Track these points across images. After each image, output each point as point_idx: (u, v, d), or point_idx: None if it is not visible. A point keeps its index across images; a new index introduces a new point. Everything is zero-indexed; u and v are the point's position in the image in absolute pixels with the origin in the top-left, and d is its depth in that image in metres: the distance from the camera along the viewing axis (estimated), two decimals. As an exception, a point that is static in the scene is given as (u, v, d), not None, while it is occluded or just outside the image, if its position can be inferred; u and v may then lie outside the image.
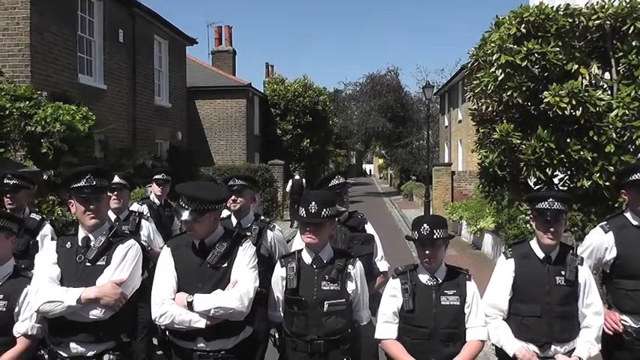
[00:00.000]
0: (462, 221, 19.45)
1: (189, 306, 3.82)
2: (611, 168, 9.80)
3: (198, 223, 3.91)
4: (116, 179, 6.20)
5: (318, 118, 36.27)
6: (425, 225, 3.97)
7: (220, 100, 29.55)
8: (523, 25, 10.22)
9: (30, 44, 12.37)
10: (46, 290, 3.79)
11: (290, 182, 25.03)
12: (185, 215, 3.88)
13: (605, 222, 4.79)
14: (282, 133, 34.47)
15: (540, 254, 4.22)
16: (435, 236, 3.95)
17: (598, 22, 10.08)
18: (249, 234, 5.17)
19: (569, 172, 10.52)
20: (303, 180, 25.19)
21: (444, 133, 38.38)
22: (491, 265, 9.49)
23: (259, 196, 24.97)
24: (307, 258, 4.15)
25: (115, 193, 6.23)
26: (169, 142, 20.62)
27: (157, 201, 7.63)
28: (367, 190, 52.50)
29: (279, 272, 4.19)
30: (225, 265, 3.95)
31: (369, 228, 5.36)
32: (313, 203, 4.04)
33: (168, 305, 3.87)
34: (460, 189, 25.54)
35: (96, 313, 3.78)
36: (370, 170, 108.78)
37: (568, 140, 10.09)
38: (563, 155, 10.00)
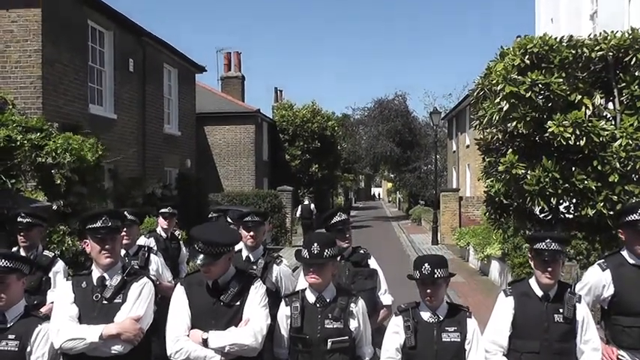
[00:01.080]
0: (469, 247, 19.46)
1: (205, 343, 3.99)
2: (615, 197, 9.86)
3: (215, 266, 4.08)
4: (126, 216, 6.31)
5: (326, 143, 36.46)
6: (426, 265, 4.09)
7: (229, 126, 29.80)
8: (527, 56, 10.36)
9: (42, 76, 12.59)
10: (67, 329, 3.98)
11: (299, 207, 25.36)
12: (201, 259, 4.04)
13: (603, 260, 4.91)
14: (290, 158, 34.65)
15: (539, 292, 4.34)
16: (435, 275, 4.07)
17: (601, 53, 10.20)
18: (255, 267, 5.30)
19: (573, 201, 10.58)
20: (312, 205, 25.57)
21: (451, 158, 38.45)
22: (498, 291, 9.52)
23: (268, 222, 25.16)
24: (311, 297, 4.26)
25: (125, 229, 6.35)
26: (178, 170, 20.79)
27: (163, 234, 7.77)
28: (376, 214, 52.55)
29: (283, 311, 4.30)
30: (238, 303, 4.13)
31: (373, 263, 5.45)
32: (315, 244, 4.18)
33: (184, 342, 4.03)
34: (468, 214, 25.57)
35: (117, 348, 4.00)
36: (379, 194, 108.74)
37: (572, 169, 10.17)
38: (567, 184, 10.08)
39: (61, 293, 4.26)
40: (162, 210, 7.92)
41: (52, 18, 12.89)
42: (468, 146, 30.40)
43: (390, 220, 46.31)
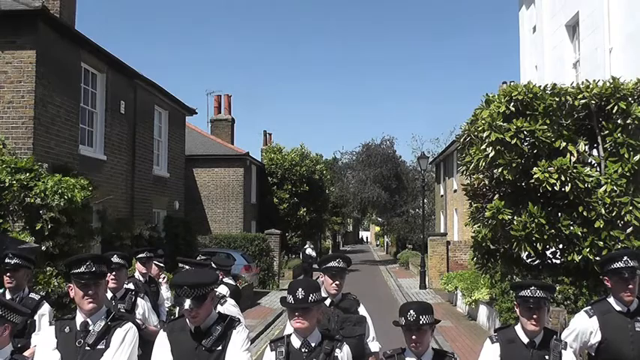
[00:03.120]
0: (457, 292, 19.44)
1: None
2: (601, 243, 9.98)
3: (202, 309, 4.09)
4: (115, 259, 6.32)
5: (314, 186, 36.59)
6: (411, 311, 4.13)
7: (218, 168, 29.90)
8: (512, 104, 10.59)
9: (34, 117, 12.63)
10: None
11: (302, 254, 26.73)
12: (188, 304, 4.05)
13: (590, 307, 4.97)
14: (278, 201, 34.69)
15: (525, 339, 4.37)
16: (421, 322, 4.10)
17: (584, 101, 10.44)
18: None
19: (560, 247, 10.68)
20: (314, 252, 28.41)
21: (439, 202, 38.61)
22: (485, 336, 9.49)
23: (255, 265, 25.19)
24: (296, 342, 4.27)
25: (114, 273, 6.35)
26: (167, 212, 20.76)
27: (141, 278, 7.77)
28: (364, 257, 52.43)
29: (269, 356, 4.30)
30: (220, 348, 4.12)
31: (362, 310, 5.46)
32: (300, 290, 4.22)
33: None
34: (455, 259, 25.59)
35: None
36: (367, 237, 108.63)
37: (558, 215, 10.29)
38: (553, 230, 10.19)
39: (43, 339, 4.23)
40: (139, 255, 7.93)
41: (45, 60, 13.03)
42: (455, 191, 30.58)
43: (377, 263, 46.22)
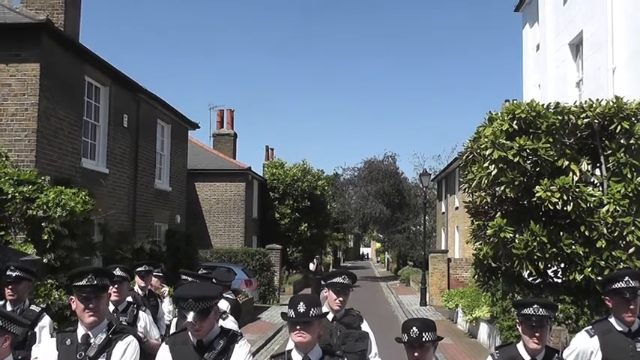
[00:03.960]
0: (457, 309, 19.36)
1: None
2: (603, 263, 9.96)
3: (205, 322, 4.08)
4: (117, 272, 6.32)
5: (316, 202, 36.58)
6: (414, 328, 4.10)
7: (220, 182, 29.92)
8: (515, 122, 10.59)
9: (37, 129, 12.68)
10: None
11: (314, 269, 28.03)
12: (192, 317, 4.04)
13: (591, 327, 4.97)
14: (280, 216, 34.67)
15: (526, 357, 4.35)
16: (423, 339, 4.07)
17: (587, 120, 10.46)
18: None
19: (561, 266, 10.65)
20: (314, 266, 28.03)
21: (441, 219, 38.57)
22: (486, 354, 9.43)
23: (255, 280, 25.15)
24: (297, 357, 4.25)
25: (116, 286, 6.35)
26: (168, 225, 20.75)
27: (140, 292, 7.77)
28: (364, 274, 52.22)
29: None
30: None
31: (365, 326, 5.44)
32: (301, 304, 4.21)
33: None
34: (456, 276, 25.51)
35: None
36: (367, 254, 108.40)
37: (560, 234, 10.27)
38: (555, 249, 10.17)
39: (44, 351, 4.23)
40: (138, 269, 7.93)
41: (49, 73, 13.09)
42: (457, 208, 30.56)
43: (378, 280, 46.07)
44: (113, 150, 16.51)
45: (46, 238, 10.83)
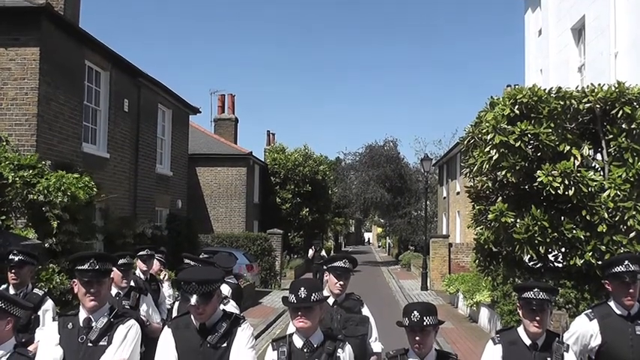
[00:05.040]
0: (458, 294, 19.42)
1: None
2: (604, 247, 9.96)
3: (208, 305, 4.09)
4: (123, 260, 6.33)
5: (317, 187, 36.60)
6: (415, 312, 4.11)
7: (221, 167, 29.91)
8: (517, 106, 10.55)
9: (37, 114, 12.64)
10: None
11: (312, 255, 27.18)
12: (195, 300, 4.04)
13: (590, 310, 4.98)
14: (281, 201, 34.72)
15: (527, 341, 4.36)
16: (424, 323, 4.08)
17: (588, 105, 10.42)
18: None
19: (562, 250, 10.66)
20: (310, 252, 27.57)
21: (442, 204, 38.60)
22: (487, 338, 9.46)
23: (257, 265, 25.07)
24: (298, 342, 4.26)
25: (123, 273, 6.36)
26: (169, 210, 20.76)
27: (142, 276, 7.78)
28: (365, 258, 52.33)
29: (270, 355, 4.29)
30: (225, 344, 4.11)
31: (365, 310, 5.44)
32: (302, 289, 4.21)
33: None
34: (457, 261, 25.54)
35: None
36: (369, 238, 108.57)
37: (561, 219, 10.27)
38: (556, 234, 10.17)
39: (46, 334, 4.25)
40: (140, 252, 7.93)
41: (49, 57, 13.03)
42: (458, 193, 30.57)
43: (379, 265, 46.16)
44: (114, 135, 16.48)
45: (53, 224, 10.84)
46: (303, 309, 4.18)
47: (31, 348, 4.89)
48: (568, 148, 10.26)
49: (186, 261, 7.27)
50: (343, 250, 70.25)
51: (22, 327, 5.29)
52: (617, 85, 10.46)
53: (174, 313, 6.37)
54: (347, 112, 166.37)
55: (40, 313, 5.71)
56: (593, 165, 10.75)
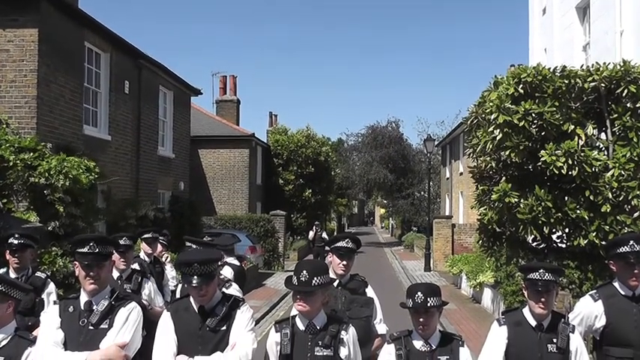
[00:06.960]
0: (461, 275, 19.43)
1: None
2: (607, 227, 9.91)
3: (210, 286, 4.08)
4: (123, 241, 6.31)
5: (320, 168, 36.56)
6: (419, 293, 4.08)
7: (223, 149, 29.82)
8: (521, 86, 10.46)
9: (37, 96, 12.55)
10: (50, 355, 3.96)
11: (312, 237, 25.85)
12: (197, 281, 4.01)
13: (595, 291, 4.95)
14: (284, 183, 34.70)
15: (532, 322, 4.33)
16: (428, 304, 4.05)
17: (593, 84, 10.31)
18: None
19: (566, 231, 10.61)
20: (311, 233, 26.18)
21: (445, 185, 38.54)
22: (490, 319, 9.46)
23: (260, 246, 24.96)
24: (301, 324, 4.23)
25: (123, 255, 6.34)
26: (172, 192, 20.74)
27: (146, 258, 7.76)
28: (369, 239, 52.39)
29: (273, 337, 4.27)
30: (224, 328, 4.10)
31: (370, 291, 5.38)
32: (304, 272, 4.16)
33: None
34: (460, 241, 25.58)
35: None
36: (372, 218, 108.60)
37: (565, 199, 10.21)
38: (560, 214, 10.12)
39: (47, 318, 4.23)
40: (145, 235, 7.90)
41: (48, 38, 12.92)
42: (461, 174, 30.50)
43: (382, 245, 46.21)
44: (115, 117, 16.41)
45: (59, 208, 10.82)
46: (302, 293, 4.14)
47: (36, 332, 4.89)
48: (572, 127, 10.18)
49: (188, 244, 7.24)
50: (347, 230, 70.31)
51: (27, 310, 5.30)
52: (622, 64, 10.35)
53: (178, 295, 6.35)
54: (349, 93, 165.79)
55: (44, 296, 5.71)
56: (597, 144, 10.67)
